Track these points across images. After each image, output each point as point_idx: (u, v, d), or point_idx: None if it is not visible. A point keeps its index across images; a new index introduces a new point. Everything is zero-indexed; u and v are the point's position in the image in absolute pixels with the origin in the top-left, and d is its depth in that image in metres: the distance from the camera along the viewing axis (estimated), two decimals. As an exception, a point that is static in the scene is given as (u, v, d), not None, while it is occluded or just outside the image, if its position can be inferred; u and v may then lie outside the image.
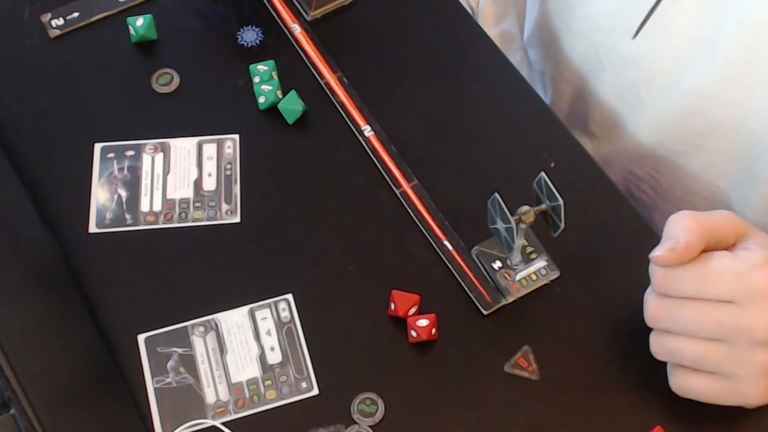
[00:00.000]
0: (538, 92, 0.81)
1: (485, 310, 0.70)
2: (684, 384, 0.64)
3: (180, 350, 0.69)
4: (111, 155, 0.76)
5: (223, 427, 0.65)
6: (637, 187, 0.86)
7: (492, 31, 0.95)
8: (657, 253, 0.62)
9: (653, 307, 0.63)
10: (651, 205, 0.86)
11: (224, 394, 0.67)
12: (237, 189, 0.75)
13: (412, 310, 0.69)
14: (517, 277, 0.71)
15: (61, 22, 0.82)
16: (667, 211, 0.66)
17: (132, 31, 0.81)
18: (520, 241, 0.70)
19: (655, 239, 0.63)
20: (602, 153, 0.86)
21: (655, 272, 0.63)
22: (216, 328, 0.69)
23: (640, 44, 0.78)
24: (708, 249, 0.62)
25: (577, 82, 0.86)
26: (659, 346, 0.64)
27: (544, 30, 0.89)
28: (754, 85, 0.74)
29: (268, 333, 0.69)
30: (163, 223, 0.74)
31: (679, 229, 0.62)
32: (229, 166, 0.76)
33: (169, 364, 0.68)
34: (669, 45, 0.77)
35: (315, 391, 0.67)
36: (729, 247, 0.63)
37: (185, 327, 0.69)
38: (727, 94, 0.75)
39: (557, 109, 0.90)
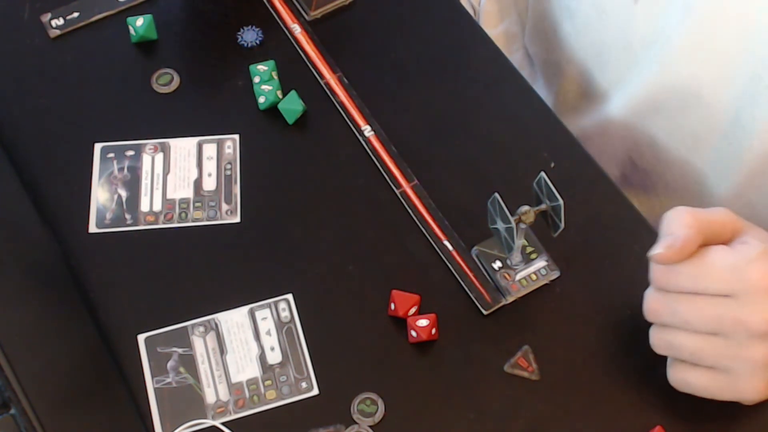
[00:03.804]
0: (541, 86, 0.81)
1: (485, 310, 0.70)
2: (682, 378, 0.64)
3: (180, 350, 0.69)
4: (111, 155, 0.76)
5: (223, 427, 0.65)
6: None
7: (493, 31, 0.95)
8: (657, 251, 0.62)
9: (652, 301, 0.63)
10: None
11: (224, 394, 0.67)
12: (237, 189, 0.75)
13: (412, 310, 0.69)
14: (517, 277, 0.71)
15: (61, 22, 0.82)
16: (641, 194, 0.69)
17: (132, 31, 0.81)
18: (520, 241, 0.70)
19: (654, 238, 0.63)
20: (588, 128, 0.88)
21: (654, 268, 0.63)
22: (216, 328, 0.69)
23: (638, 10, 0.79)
24: (705, 245, 0.62)
25: (580, 64, 0.87)
26: (658, 339, 0.64)
27: (542, 20, 0.89)
28: (717, 59, 0.75)
29: (268, 333, 0.69)
30: (163, 223, 0.74)
31: (676, 225, 0.62)
32: (229, 166, 0.76)
33: (169, 364, 0.68)
34: (651, 13, 0.78)
35: (315, 391, 0.67)
36: (726, 242, 0.63)
37: (185, 327, 0.69)
38: (691, 69, 0.76)
39: (562, 98, 0.90)
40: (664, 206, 0.87)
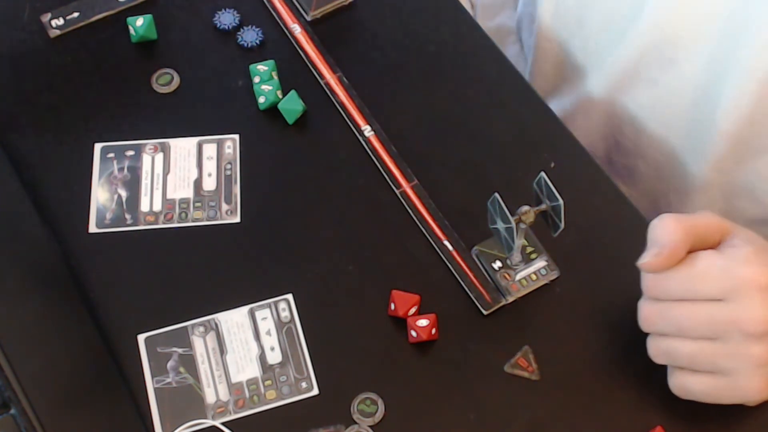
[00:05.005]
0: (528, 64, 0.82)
1: (485, 310, 0.70)
2: (682, 384, 0.64)
3: (180, 350, 0.69)
4: (111, 155, 0.76)
5: (223, 427, 0.65)
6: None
7: (489, 24, 0.95)
8: (645, 260, 0.62)
9: (646, 311, 0.64)
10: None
11: (224, 394, 0.67)
12: (237, 189, 0.75)
13: (412, 310, 0.69)
14: (517, 277, 0.71)
15: (61, 22, 0.82)
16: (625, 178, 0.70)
17: (132, 31, 0.81)
18: (520, 241, 0.70)
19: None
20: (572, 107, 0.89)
21: (645, 277, 0.63)
22: (216, 328, 0.69)
23: None
24: (693, 250, 0.62)
25: (561, 42, 0.87)
26: (655, 348, 0.64)
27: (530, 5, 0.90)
28: (691, 20, 0.76)
29: (268, 333, 0.69)
30: (163, 223, 0.74)
31: (662, 232, 0.62)
32: (229, 166, 0.76)
33: (169, 364, 0.68)
34: None
35: (315, 391, 0.67)
36: (714, 246, 0.63)
37: (185, 327, 0.69)
38: (664, 40, 0.77)
39: (543, 77, 0.91)
40: (648, 191, 0.88)
